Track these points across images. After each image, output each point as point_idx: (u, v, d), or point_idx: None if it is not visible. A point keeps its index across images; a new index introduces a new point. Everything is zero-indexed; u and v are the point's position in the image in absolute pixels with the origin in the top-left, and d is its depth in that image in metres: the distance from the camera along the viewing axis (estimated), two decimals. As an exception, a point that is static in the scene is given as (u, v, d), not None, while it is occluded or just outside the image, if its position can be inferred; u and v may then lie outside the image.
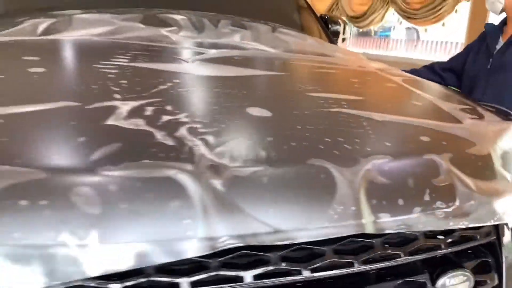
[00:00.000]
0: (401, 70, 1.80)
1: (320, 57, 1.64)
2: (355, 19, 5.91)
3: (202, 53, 1.36)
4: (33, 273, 0.59)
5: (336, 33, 2.66)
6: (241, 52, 1.48)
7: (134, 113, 0.82)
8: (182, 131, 0.78)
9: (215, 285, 0.67)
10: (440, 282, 0.80)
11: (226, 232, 0.65)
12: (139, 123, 0.79)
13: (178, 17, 1.90)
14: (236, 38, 1.82)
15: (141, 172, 0.67)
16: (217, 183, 0.68)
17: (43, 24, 1.67)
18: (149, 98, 0.90)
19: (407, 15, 4.36)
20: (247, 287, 0.68)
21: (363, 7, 5.58)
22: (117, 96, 0.89)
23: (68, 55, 1.26)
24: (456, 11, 3.80)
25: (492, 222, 0.83)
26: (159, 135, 0.76)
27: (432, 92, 1.32)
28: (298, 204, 0.70)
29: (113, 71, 1.06)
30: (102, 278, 0.63)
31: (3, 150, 0.68)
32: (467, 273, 0.81)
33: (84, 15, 1.79)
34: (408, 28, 7.63)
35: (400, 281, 0.78)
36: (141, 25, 1.78)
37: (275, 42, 1.83)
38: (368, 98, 1.13)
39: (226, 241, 0.65)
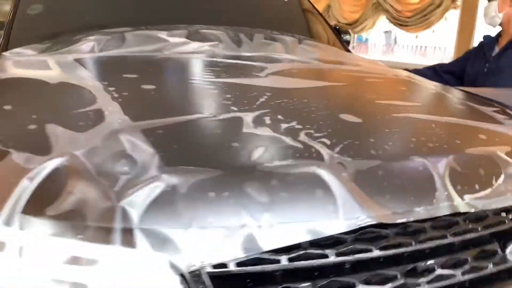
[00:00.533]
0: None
1: (355, 67, 1.85)
2: (346, 26, 6.20)
3: (265, 68, 1.55)
4: (224, 247, 0.77)
5: (347, 42, 2.89)
6: (292, 64, 1.68)
7: (257, 122, 1.01)
8: (302, 136, 0.97)
9: (350, 255, 0.86)
10: (508, 249, 1.01)
11: (360, 214, 0.84)
12: (267, 131, 0.97)
13: (217, 32, 2.07)
14: (273, 51, 2.01)
15: (290, 169, 0.85)
16: (346, 176, 0.87)
17: (100, 42, 1.82)
18: (259, 109, 1.08)
19: (399, 22, 4.66)
20: (375, 255, 0.87)
21: (354, 14, 5.88)
22: (234, 108, 1.07)
23: (157, 72, 1.43)
24: (445, 18, 4.10)
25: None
26: (287, 140, 0.95)
27: (463, 96, 1.55)
28: (407, 191, 0.89)
29: (210, 86, 1.23)
30: (273, 252, 0.81)
31: (182, 154, 0.85)
32: (526, 242, 1.03)
33: (135, 32, 1.94)
34: (386, 32, 7.96)
35: (478, 250, 0.98)
36: (188, 41, 1.95)
37: (308, 53, 2.03)
38: (421, 103, 1.34)
39: (363, 220, 0.83)
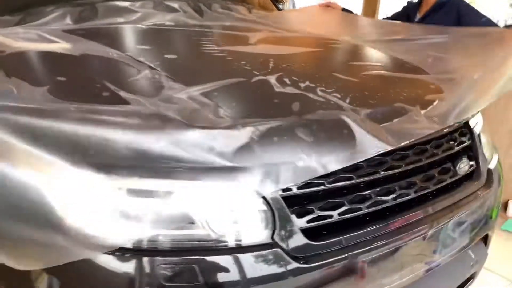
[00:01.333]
0: None
1: (310, 33, 2.14)
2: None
3: (248, 37, 1.77)
4: (289, 175, 1.03)
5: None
6: (265, 34, 1.92)
7: (281, 83, 1.26)
8: (319, 92, 1.25)
9: (366, 177, 1.18)
10: (457, 166, 1.41)
11: (376, 144, 1.15)
12: (292, 89, 1.23)
13: (178, 3, 2.21)
14: (233, 20, 2.22)
15: (323, 116, 1.13)
16: (360, 119, 1.17)
17: (73, 13, 1.88)
18: (274, 72, 1.33)
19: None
20: (381, 175, 1.20)
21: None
22: (256, 72, 1.31)
23: (160, 42, 1.58)
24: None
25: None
26: (311, 95, 1.22)
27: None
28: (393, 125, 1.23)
29: (222, 54, 1.44)
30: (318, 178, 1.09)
31: (243, 110, 1.08)
32: (466, 161, 1.45)
33: (106, 3, 2.01)
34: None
35: (440, 168, 1.37)
36: (157, 12, 2.07)
37: (264, 20, 2.28)
38: (380, 63, 1.69)
39: (377, 149, 1.15)
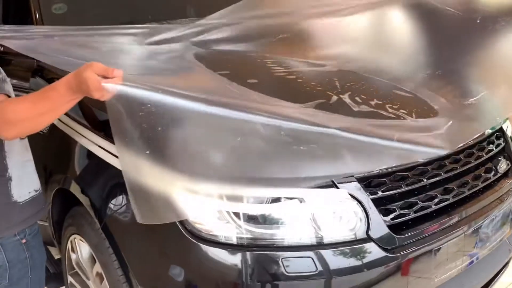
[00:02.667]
0: None
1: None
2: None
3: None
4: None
5: None
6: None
7: (355, 101, 1.46)
8: (388, 108, 1.46)
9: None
10: (497, 166, 1.64)
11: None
12: (366, 107, 1.43)
13: None
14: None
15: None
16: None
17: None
18: (344, 92, 1.53)
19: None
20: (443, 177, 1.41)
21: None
22: (330, 93, 1.50)
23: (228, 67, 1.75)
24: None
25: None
26: (385, 113, 1.41)
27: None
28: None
29: (291, 76, 1.65)
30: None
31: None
32: (504, 160, 1.68)
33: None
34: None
35: (485, 168, 1.59)
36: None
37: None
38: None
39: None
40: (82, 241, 1.60)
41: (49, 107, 1.10)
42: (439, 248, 1.34)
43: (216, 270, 1.19)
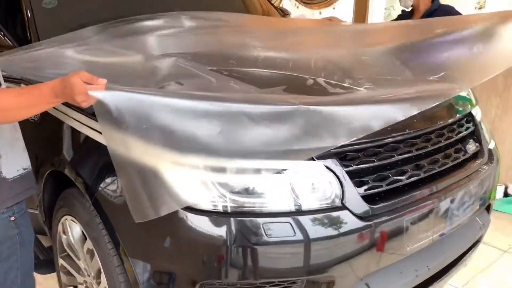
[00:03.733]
0: None
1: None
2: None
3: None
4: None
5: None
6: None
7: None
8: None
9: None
10: (467, 147, 1.75)
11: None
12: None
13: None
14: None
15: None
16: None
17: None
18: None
19: (304, 1, 5.39)
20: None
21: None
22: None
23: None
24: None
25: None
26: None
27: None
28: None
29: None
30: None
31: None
32: (473, 142, 1.79)
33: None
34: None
35: (454, 148, 1.70)
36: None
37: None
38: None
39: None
40: (73, 221, 1.66)
41: (28, 103, 1.19)
42: (410, 219, 1.44)
43: (203, 236, 1.27)
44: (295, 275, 1.27)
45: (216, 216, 1.25)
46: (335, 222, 1.30)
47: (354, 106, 1.26)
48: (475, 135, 1.88)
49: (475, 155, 1.83)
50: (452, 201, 1.58)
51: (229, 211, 1.26)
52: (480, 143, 1.87)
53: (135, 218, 1.20)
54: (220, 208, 1.25)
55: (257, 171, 1.25)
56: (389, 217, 1.38)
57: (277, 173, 1.26)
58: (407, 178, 1.49)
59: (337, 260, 1.30)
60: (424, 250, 1.55)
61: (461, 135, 1.75)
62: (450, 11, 3.09)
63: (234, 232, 1.24)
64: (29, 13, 2.12)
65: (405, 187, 1.50)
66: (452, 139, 1.70)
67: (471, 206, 1.71)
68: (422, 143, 1.57)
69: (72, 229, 1.70)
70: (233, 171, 1.25)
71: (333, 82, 1.53)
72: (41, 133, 1.82)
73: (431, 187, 1.54)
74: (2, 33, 2.13)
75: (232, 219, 1.24)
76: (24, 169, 1.42)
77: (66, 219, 1.72)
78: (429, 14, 3.10)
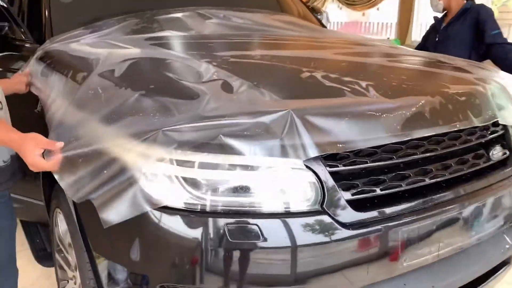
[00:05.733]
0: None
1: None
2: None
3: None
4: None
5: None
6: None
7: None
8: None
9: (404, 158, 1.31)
10: (490, 153, 1.53)
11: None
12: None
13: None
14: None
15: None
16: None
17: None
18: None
19: (348, 2, 5.21)
20: (420, 157, 1.33)
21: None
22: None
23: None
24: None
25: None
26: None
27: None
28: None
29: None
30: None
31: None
32: (500, 148, 1.56)
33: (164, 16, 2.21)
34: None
35: (474, 153, 1.49)
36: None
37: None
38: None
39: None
40: (59, 213, 1.63)
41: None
42: (409, 231, 1.25)
43: (168, 235, 1.16)
44: (262, 284, 1.14)
45: (179, 214, 1.14)
46: (313, 229, 1.15)
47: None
48: (505, 140, 1.64)
49: (503, 163, 1.60)
50: (465, 214, 1.37)
51: (194, 210, 1.14)
52: (510, 149, 1.63)
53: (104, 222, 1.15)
54: (183, 206, 1.14)
55: (225, 166, 1.13)
56: (380, 227, 1.21)
57: (247, 169, 1.14)
58: (408, 184, 1.31)
59: (312, 273, 1.14)
60: (430, 267, 1.35)
61: (483, 139, 1.53)
62: (484, 14, 2.94)
63: (195, 232, 1.12)
64: (45, 6, 2.14)
65: (405, 194, 1.31)
66: (471, 143, 1.49)
67: (493, 221, 1.48)
68: (432, 145, 1.38)
69: (60, 222, 1.67)
70: (200, 166, 1.14)
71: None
72: (43, 122, 1.82)
73: (439, 196, 1.34)
74: (20, 28, 2.17)
75: (197, 218, 1.13)
76: (4, 162, 1.40)
77: (56, 211, 1.69)
78: (460, 14, 2.93)
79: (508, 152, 1.62)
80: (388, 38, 4.57)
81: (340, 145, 1.18)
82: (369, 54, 1.88)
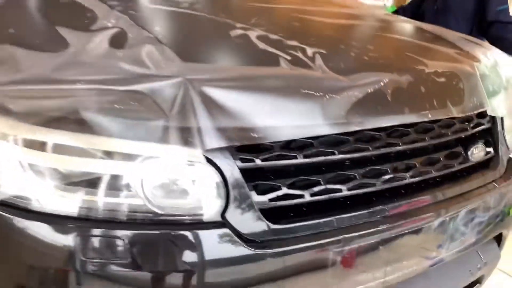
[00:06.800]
0: None
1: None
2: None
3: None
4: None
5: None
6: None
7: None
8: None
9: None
10: (469, 152, 1.20)
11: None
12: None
13: None
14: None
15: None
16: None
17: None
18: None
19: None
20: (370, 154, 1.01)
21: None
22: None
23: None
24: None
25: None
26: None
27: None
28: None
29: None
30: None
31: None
32: (482, 146, 1.23)
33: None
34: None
35: (448, 151, 1.16)
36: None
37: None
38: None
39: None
40: None
41: None
42: (346, 251, 0.95)
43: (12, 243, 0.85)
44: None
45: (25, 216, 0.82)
46: (212, 246, 0.83)
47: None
48: (491, 136, 1.31)
49: (485, 165, 1.28)
50: (427, 229, 1.06)
51: (27, 208, 0.81)
52: (495, 148, 1.31)
53: None
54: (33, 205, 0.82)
55: (85, 152, 0.80)
56: (303, 245, 0.89)
57: (115, 158, 0.81)
58: (352, 189, 0.99)
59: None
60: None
61: (463, 134, 1.20)
62: None
63: (41, 240, 0.80)
64: None
65: (347, 202, 1.00)
66: (446, 139, 1.16)
67: (463, 238, 1.18)
68: (391, 139, 1.05)
69: None
70: (54, 149, 0.81)
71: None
72: None
73: (393, 206, 1.03)
74: None
75: (27, 221, 0.80)
76: None
77: None
78: None
79: (492, 152, 1.30)
80: (385, 5, 4.14)
81: (255, 134, 0.85)
82: (337, 15, 1.51)
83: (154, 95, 0.81)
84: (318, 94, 0.92)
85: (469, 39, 1.56)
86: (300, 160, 0.93)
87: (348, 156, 0.98)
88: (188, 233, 0.82)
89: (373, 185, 1.01)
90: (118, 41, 0.95)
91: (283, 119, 0.88)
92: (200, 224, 0.83)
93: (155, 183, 0.83)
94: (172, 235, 0.81)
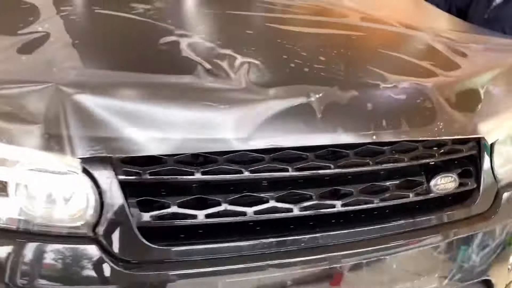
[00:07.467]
0: None
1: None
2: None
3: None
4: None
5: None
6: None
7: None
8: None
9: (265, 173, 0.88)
10: (432, 182, 1.03)
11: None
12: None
13: None
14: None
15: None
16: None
17: None
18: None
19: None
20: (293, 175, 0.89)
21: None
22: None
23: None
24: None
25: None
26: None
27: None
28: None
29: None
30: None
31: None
32: (453, 176, 1.05)
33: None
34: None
35: (403, 180, 1.01)
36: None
37: None
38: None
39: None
40: None
41: None
42: (239, 283, 0.84)
43: None
44: None
45: None
46: (79, 263, 0.78)
47: None
48: (473, 164, 1.11)
49: (458, 199, 1.09)
50: (353, 269, 0.92)
51: None
52: (478, 179, 1.11)
53: None
54: None
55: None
56: (187, 271, 0.81)
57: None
58: (260, 213, 0.88)
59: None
60: None
61: (426, 160, 1.03)
62: None
63: None
64: None
65: (256, 227, 0.89)
66: (401, 164, 0.99)
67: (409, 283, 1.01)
68: (319, 161, 0.91)
69: None
70: None
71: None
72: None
73: (310, 236, 0.90)
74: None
75: None
76: None
77: None
78: None
79: (471, 184, 1.10)
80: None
81: (135, 146, 0.78)
82: (314, 23, 1.34)
83: (23, 100, 0.77)
84: (220, 106, 0.83)
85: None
86: (198, 176, 0.84)
87: (260, 175, 0.88)
88: (49, 246, 0.77)
89: (289, 210, 0.89)
90: (32, 44, 0.94)
91: (172, 131, 0.81)
92: (65, 237, 0.79)
93: (27, 190, 0.79)
94: (36, 247, 0.78)
